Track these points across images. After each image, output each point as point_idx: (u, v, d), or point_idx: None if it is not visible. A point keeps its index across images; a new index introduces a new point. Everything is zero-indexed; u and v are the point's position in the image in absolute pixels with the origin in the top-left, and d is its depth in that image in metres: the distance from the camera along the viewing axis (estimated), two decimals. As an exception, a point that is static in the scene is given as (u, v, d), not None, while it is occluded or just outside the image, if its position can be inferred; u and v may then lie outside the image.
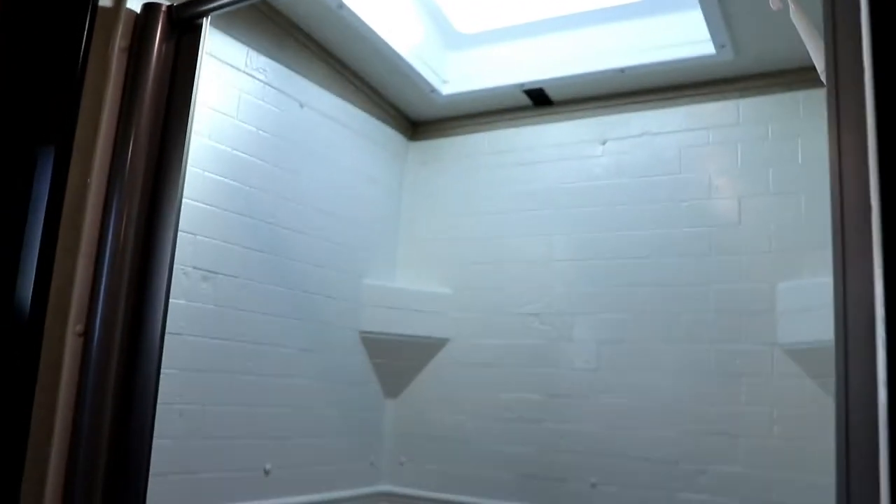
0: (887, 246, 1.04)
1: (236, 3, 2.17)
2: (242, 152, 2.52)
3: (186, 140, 2.11)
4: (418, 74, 2.97)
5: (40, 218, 2.07)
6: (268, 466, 2.54)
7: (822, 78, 1.25)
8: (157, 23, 2.13)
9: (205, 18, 2.16)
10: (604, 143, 2.99)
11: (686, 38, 2.67)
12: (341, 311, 2.93)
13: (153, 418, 1.99)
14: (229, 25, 2.47)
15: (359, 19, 2.63)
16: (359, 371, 3.02)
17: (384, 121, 3.24)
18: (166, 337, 2.16)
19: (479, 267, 3.14)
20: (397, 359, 3.11)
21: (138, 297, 2.03)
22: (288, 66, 2.71)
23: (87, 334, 1.99)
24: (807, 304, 2.40)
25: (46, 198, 2.08)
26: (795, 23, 1.85)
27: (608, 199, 2.94)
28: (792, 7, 1.87)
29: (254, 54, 2.57)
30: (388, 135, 3.27)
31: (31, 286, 2.04)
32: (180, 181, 2.09)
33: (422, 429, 3.10)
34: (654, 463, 2.67)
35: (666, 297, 2.76)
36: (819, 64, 1.65)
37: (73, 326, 1.99)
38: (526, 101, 3.11)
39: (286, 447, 2.62)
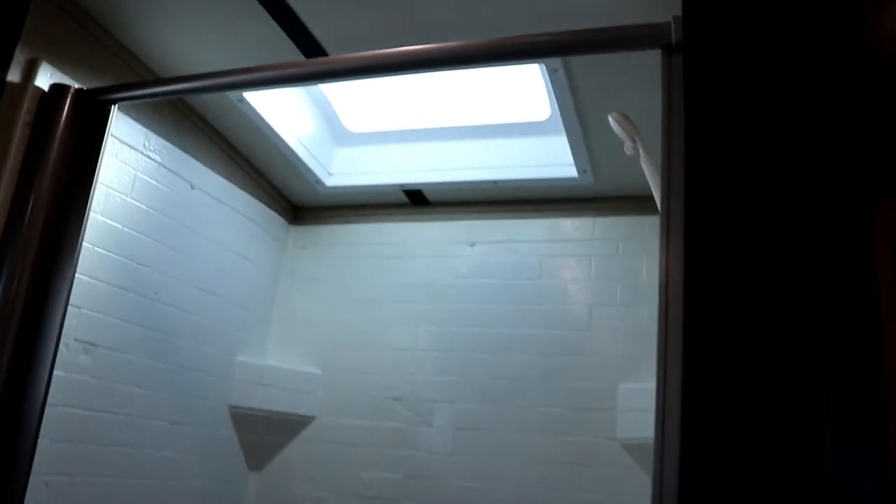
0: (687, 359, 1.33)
1: (143, 97, 2.31)
2: (132, 229, 2.61)
3: (85, 218, 2.19)
4: (305, 165, 3.16)
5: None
6: (130, 542, 2.55)
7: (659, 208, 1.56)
8: (64, 103, 2.22)
9: (113, 105, 2.27)
10: (472, 245, 3.27)
11: (552, 160, 3.02)
12: (213, 385, 3.00)
13: (24, 490, 2.02)
14: (131, 107, 2.58)
15: (255, 112, 2.81)
16: (225, 444, 3.08)
17: (268, 205, 3.39)
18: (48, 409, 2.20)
19: (349, 350, 3.30)
20: (264, 433, 3.19)
21: (21, 370, 2.06)
22: (182, 149, 2.83)
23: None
24: (644, 405, 2.72)
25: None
26: (643, 165, 2.22)
27: (473, 296, 3.20)
28: (641, 154, 2.24)
29: (152, 136, 2.68)
30: (270, 218, 3.41)
31: None
32: (75, 257, 2.16)
33: (284, 503, 3.18)
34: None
35: (519, 390, 3.03)
36: (657, 198, 1.98)
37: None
38: (404, 199, 3.36)
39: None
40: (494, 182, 3.12)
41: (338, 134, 3.31)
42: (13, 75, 2.19)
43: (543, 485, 2.90)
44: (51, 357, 2.08)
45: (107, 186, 2.51)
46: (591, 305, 3.06)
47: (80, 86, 2.27)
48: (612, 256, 3.08)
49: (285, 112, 2.98)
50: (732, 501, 1.23)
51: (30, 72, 2.22)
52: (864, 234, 1.28)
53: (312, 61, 2.45)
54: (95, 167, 2.23)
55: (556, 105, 2.65)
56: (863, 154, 1.34)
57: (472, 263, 3.26)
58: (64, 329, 2.25)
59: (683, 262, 1.44)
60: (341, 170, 3.32)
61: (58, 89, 2.24)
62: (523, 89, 2.94)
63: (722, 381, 1.31)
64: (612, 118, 2.25)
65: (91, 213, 2.41)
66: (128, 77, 2.53)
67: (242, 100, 2.72)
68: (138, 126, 2.63)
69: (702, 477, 1.26)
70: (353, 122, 3.27)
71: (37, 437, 2.04)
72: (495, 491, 2.95)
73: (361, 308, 3.34)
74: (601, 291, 3.06)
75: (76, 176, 2.23)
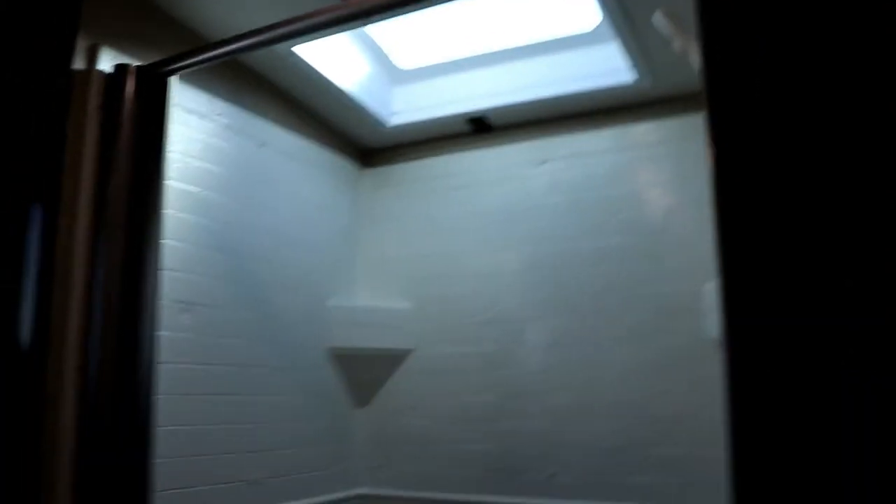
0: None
1: (198, 63, 2.40)
2: (211, 192, 2.74)
3: (161, 186, 2.34)
4: (366, 109, 3.22)
5: (35, 267, 2.28)
6: (253, 478, 2.75)
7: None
8: (128, 81, 2.34)
9: (171, 76, 2.38)
10: (541, 164, 3.27)
11: (609, 68, 2.97)
12: (310, 331, 3.16)
13: (152, 435, 2.21)
14: (192, 76, 2.68)
15: (307, 64, 2.88)
16: (330, 385, 3.25)
17: (337, 152, 3.48)
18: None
19: (434, 282, 3.40)
20: (365, 371, 3.35)
21: (130, 333, 2.24)
22: (247, 110, 2.94)
23: (83, 368, 2.20)
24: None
25: (40, 250, 2.29)
26: (692, 62, 2.16)
27: (548, 214, 3.22)
28: (691, 50, 2.18)
29: (217, 101, 2.79)
30: (341, 165, 3.51)
31: (32, 329, 2.24)
32: (159, 223, 2.31)
33: (391, 434, 3.35)
34: (604, 451, 2.95)
35: (605, 301, 3.05)
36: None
37: (69, 362, 2.20)
38: (468, 128, 3.39)
39: (269, 459, 2.84)
40: (555, 98, 3.10)
41: (392, 73, 3.35)
42: (78, 63, 2.33)
43: (640, 391, 2.93)
44: (153, 318, 2.26)
45: (181, 154, 2.64)
46: (666, 209, 3.03)
47: (139, 63, 2.37)
48: (684, 157, 3.02)
49: (339, 61, 3.03)
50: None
51: (92, 58, 2.36)
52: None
53: (353, 1, 2.48)
54: (164, 137, 2.36)
55: (603, 10, 2.59)
56: None
57: (543, 183, 3.27)
58: (162, 292, 2.42)
59: (715, 161, 1.41)
60: (402, 108, 3.36)
61: (120, 70, 2.36)
62: (568, 1, 2.89)
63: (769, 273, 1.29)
64: (656, 18, 2.19)
65: (170, 181, 2.57)
66: (181, 48, 2.62)
67: (292, 53, 2.79)
68: (203, 94, 2.75)
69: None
70: (405, 59, 3.30)
71: (152, 392, 2.23)
72: (592, 402, 3.01)
73: (440, 240, 3.42)
74: (676, 193, 3.02)
75: (149, 148, 2.37)
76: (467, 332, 3.28)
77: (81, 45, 2.34)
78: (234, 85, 2.90)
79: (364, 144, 3.64)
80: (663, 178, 3.06)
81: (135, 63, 2.36)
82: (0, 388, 2.25)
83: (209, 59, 2.50)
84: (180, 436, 2.49)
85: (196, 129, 2.72)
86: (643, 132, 3.14)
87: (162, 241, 2.48)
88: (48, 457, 2.16)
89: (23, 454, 2.19)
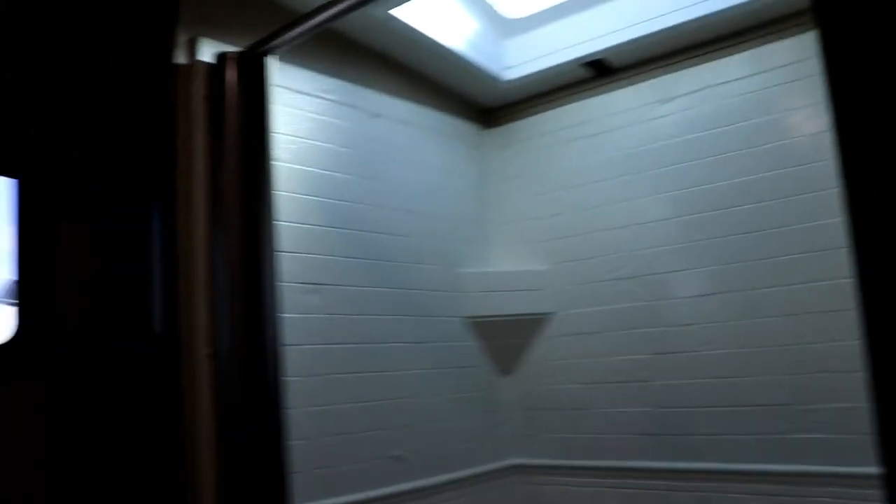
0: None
1: (294, 39, 2.36)
2: (326, 170, 2.72)
3: (269, 167, 2.33)
4: (478, 66, 3.09)
5: (161, 262, 2.35)
6: (397, 453, 2.73)
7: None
8: (228, 68, 2.34)
9: (267, 57, 2.36)
10: (666, 101, 3.00)
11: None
12: (445, 301, 3.09)
13: (285, 421, 2.22)
14: (295, 56, 2.66)
15: (409, 27, 2.77)
16: (472, 354, 3.17)
17: (455, 115, 3.37)
18: (285, 349, 2.40)
19: (568, 239, 3.22)
20: (506, 338, 3.25)
21: (253, 319, 2.26)
22: (354, 83, 2.89)
23: (214, 356, 2.24)
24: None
25: (162, 244, 2.36)
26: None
27: (680, 155, 2.95)
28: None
29: (322, 78, 2.76)
30: (460, 127, 3.39)
31: (163, 319, 2.32)
32: (269, 204, 2.31)
33: (539, 401, 3.23)
34: (767, 408, 2.68)
35: (752, 243, 2.76)
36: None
37: (201, 350, 2.24)
38: (587, 72, 3.17)
39: (413, 434, 2.81)
40: (677, 27, 2.81)
41: (501, 25, 3.19)
42: (180, 58, 2.36)
43: (799, 339, 2.63)
44: (276, 299, 2.26)
45: (291, 135, 2.63)
46: (815, 134, 2.67)
47: (237, 48, 2.37)
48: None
49: (442, 19, 2.91)
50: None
51: (193, 50, 2.37)
52: None
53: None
54: (267, 118, 2.35)
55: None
56: None
57: (671, 122, 3.00)
58: (287, 274, 2.42)
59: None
60: (516, 60, 3.20)
61: (220, 58, 2.37)
62: None
63: None
64: None
65: (283, 163, 2.56)
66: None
67: (391, 17, 2.69)
68: (307, 72, 2.72)
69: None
70: (512, 8, 3.13)
71: (280, 373, 2.24)
72: (748, 356, 2.74)
73: (569, 194, 3.24)
74: (825, 115, 2.64)
75: (254, 131, 2.36)
76: (609, 288, 3.09)
77: (181, 40, 2.36)
78: (339, 59, 2.85)
79: (482, 104, 3.51)
80: (808, 99, 2.70)
81: (234, 49, 2.37)
82: (141, 378, 2.34)
83: (304, 33, 2.45)
84: (316, 417, 2.49)
85: (305, 108, 2.70)
86: (780, 52, 2.78)
87: (283, 223, 2.50)
88: (190, 445, 2.22)
89: (165, 445, 2.27)
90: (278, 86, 2.62)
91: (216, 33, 2.42)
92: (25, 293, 2.34)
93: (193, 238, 2.29)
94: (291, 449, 2.39)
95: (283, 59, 2.63)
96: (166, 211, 2.35)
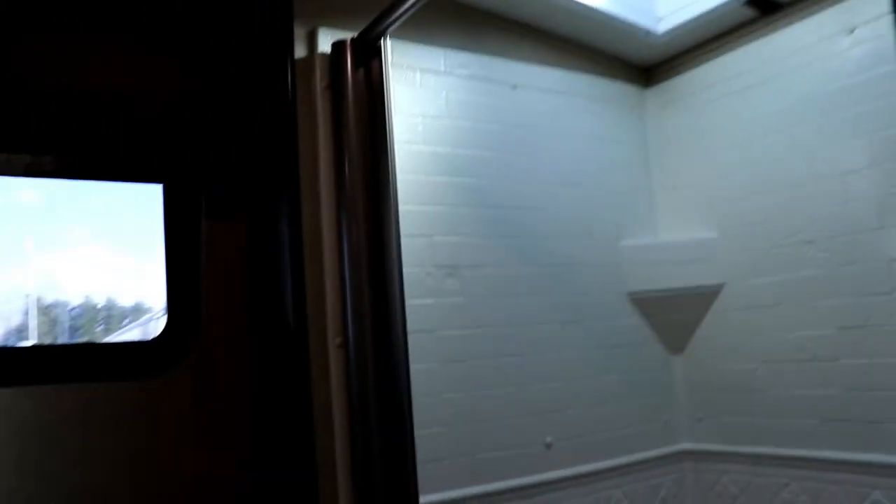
0: None
1: (405, 13, 2.28)
2: (460, 149, 2.63)
3: (392, 152, 2.29)
4: (626, 21, 2.84)
5: (288, 253, 2.40)
6: (548, 440, 2.61)
7: None
8: (347, 55, 2.33)
9: (383, 38, 2.32)
10: (851, 31, 2.56)
11: None
12: (602, 277, 2.89)
13: (411, 405, 2.19)
14: (423, 35, 2.59)
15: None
16: (634, 333, 2.95)
17: (608, 77, 3.12)
18: (421, 335, 2.37)
19: (742, 201, 2.87)
20: (673, 313, 2.99)
21: (379, 307, 2.25)
22: (489, 55, 2.77)
23: (345, 345, 2.26)
24: None
25: (290, 235, 2.41)
26: None
27: (873, 94, 2.49)
28: None
29: (452, 53, 2.67)
30: (616, 89, 3.14)
31: (292, 311, 2.37)
32: (392, 186, 2.27)
33: (712, 381, 2.93)
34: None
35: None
36: None
37: (333, 340, 2.27)
38: (750, 13, 2.79)
39: (566, 419, 2.67)
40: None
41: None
42: (299, 51, 2.38)
43: None
44: (400, 283, 2.23)
45: (421, 116, 2.57)
46: None
47: (353, 34, 2.35)
48: None
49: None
50: None
51: (312, 42, 2.38)
52: None
53: None
54: (388, 102, 2.31)
55: None
56: None
57: (856, 55, 2.55)
58: (420, 259, 2.39)
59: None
60: (667, 10, 2.89)
61: (338, 47, 2.36)
62: None
63: None
64: None
65: (413, 145, 2.52)
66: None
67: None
68: (434, 49, 2.65)
69: None
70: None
71: (407, 360, 2.21)
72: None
73: (741, 152, 2.88)
74: None
75: (375, 116, 2.34)
76: (787, 255, 2.71)
77: (300, 34, 2.38)
78: (471, 33, 2.74)
79: (636, 62, 3.22)
80: None
81: (350, 36, 2.35)
82: (277, 369, 2.42)
83: (415, 4, 2.36)
84: (455, 403, 2.44)
85: (436, 87, 2.63)
86: None
87: (417, 207, 2.46)
88: (322, 434, 2.26)
89: (299, 431, 2.33)
90: (407, 67, 2.58)
91: (334, 22, 2.41)
92: (173, 290, 2.51)
93: (320, 228, 2.32)
94: (433, 436, 2.37)
95: (411, 39, 2.58)
96: (292, 203, 2.41)
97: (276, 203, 2.43)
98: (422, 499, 2.25)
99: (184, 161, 2.45)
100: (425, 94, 2.59)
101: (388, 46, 2.35)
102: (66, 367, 2.42)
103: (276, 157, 2.41)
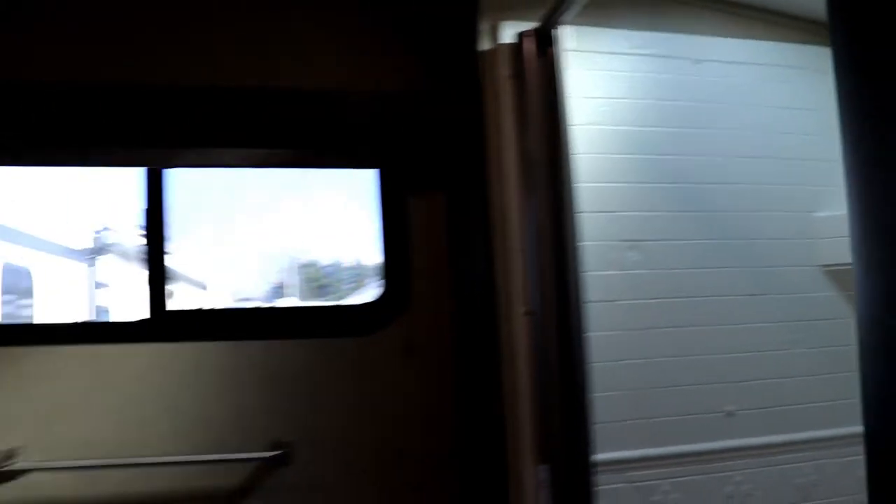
0: None
1: (578, 2, 2.42)
2: (646, 127, 2.73)
3: (567, 133, 2.46)
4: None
5: (479, 227, 2.66)
6: (731, 408, 2.65)
7: None
8: (526, 46, 2.52)
9: (559, 27, 2.48)
10: None
11: None
12: (792, 249, 2.85)
13: (586, 368, 2.37)
14: (603, 19, 2.72)
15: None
16: (828, 306, 2.87)
17: (800, 42, 3.03)
18: (603, 304, 2.53)
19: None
20: (875, 288, 2.87)
21: (560, 278, 2.43)
22: (671, 31, 2.82)
23: (530, 314, 2.47)
24: None
25: (481, 211, 2.66)
26: None
27: None
28: None
29: (632, 35, 2.76)
30: (809, 55, 3.03)
31: (483, 280, 2.63)
32: (568, 165, 2.45)
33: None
34: None
35: None
36: None
37: (519, 308, 2.49)
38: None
39: (750, 389, 2.68)
40: None
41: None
42: (485, 44, 2.61)
43: None
44: (578, 256, 2.41)
45: (604, 97, 2.70)
46: None
47: (534, 25, 2.54)
48: None
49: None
50: None
51: (495, 35, 2.60)
52: None
53: None
54: (562, 87, 2.48)
55: None
56: None
57: None
58: (603, 234, 2.56)
59: None
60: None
61: (519, 38, 2.56)
62: None
63: None
64: None
65: (599, 126, 2.67)
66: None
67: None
68: (616, 32, 2.76)
69: None
70: None
71: (583, 329, 2.39)
72: None
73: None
74: None
75: (554, 101, 2.52)
76: None
77: (485, 27, 2.61)
78: (652, 12, 2.82)
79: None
80: None
81: (530, 26, 2.54)
82: (470, 334, 2.69)
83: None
84: (634, 369, 2.56)
85: (619, 68, 2.74)
86: None
87: (599, 184, 2.62)
88: (509, 396, 2.49)
89: (488, 385, 2.58)
90: (591, 51, 2.72)
91: (516, 15, 2.60)
92: (387, 258, 2.87)
93: (507, 205, 2.54)
94: (613, 398, 2.52)
95: (594, 24, 2.71)
96: (481, 182, 2.64)
97: (468, 182, 2.70)
98: (602, 455, 2.42)
99: (394, 149, 2.79)
100: (608, 76, 2.72)
101: (565, 34, 2.52)
102: (303, 324, 2.88)
103: (467, 141, 2.68)
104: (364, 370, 2.80)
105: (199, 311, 2.91)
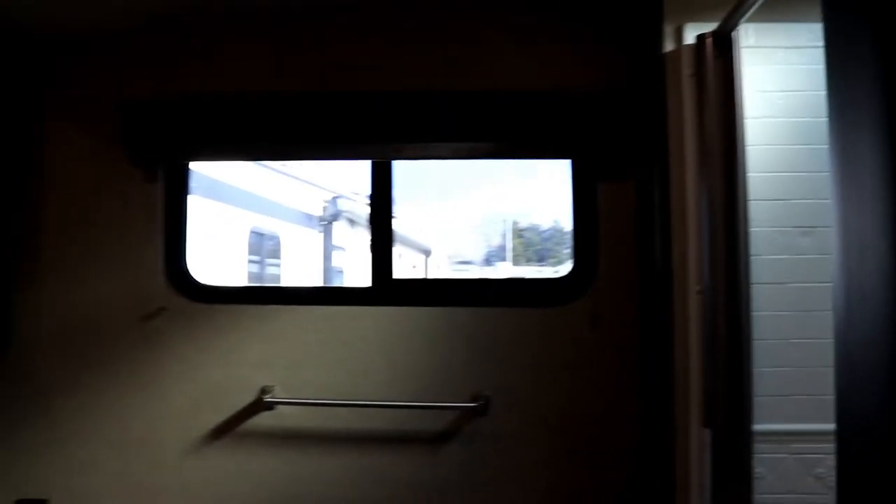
0: None
1: (755, 3, 2.60)
2: (824, 117, 2.83)
3: (742, 126, 2.67)
4: None
5: (659, 211, 2.93)
6: (904, 390, 2.74)
7: None
8: (707, 46, 2.74)
9: (738, 28, 2.67)
10: None
11: None
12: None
13: (750, 345, 2.59)
14: (783, 14, 2.84)
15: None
16: None
17: None
18: (773, 287, 2.73)
19: None
20: None
21: (730, 260, 2.66)
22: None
23: (703, 292, 2.72)
24: None
25: (661, 196, 2.92)
26: None
27: None
28: None
29: (814, 26, 2.85)
30: None
31: (661, 259, 2.90)
32: (744, 158, 2.66)
33: None
34: None
35: None
36: None
37: (694, 287, 2.74)
38: None
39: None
40: None
41: None
42: (669, 46, 2.86)
43: None
44: (748, 240, 2.63)
45: (781, 91, 2.84)
46: None
47: (714, 24, 2.75)
48: None
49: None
50: None
51: (678, 37, 2.84)
52: None
53: None
54: (739, 83, 2.70)
55: None
56: None
57: None
58: (775, 220, 2.75)
59: None
60: None
61: (700, 39, 2.79)
62: None
63: None
64: None
65: (776, 119, 2.84)
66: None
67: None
68: (796, 25, 2.86)
69: None
70: None
71: (750, 309, 2.61)
72: None
73: None
74: None
75: (732, 94, 2.73)
76: None
77: (669, 31, 2.85)
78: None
79: None
80: None
81: (709, 28, 2.75)
82: (648, 306, 2.98)
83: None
84: (802, 347, 2.72)
85: (797, 61, 2.85)
86: None
87: (774, 174, 2.80)
88: (681, 367, 2.76)
89: (662, 366, 2.86)
90: (770, 47, 2.87)
91: (699, 17, 2.82)
92: (578, 238, 3.23)
93: (685, 191, 2.78)
94: (780, 374, 2.71)
95: (774, 20, 2.86)
96: (663, 171, 2.89)
97: (651, 171, 2.98)
98: (766, 426, 2.63)
99: (585, 141, 3.13)
100: (785, 70, 2.85)
101: (744, 33, 2.71)
102: (504, 294, 3.33)
103: (651, 134, 2.95)
104: (555, 337, 3.19)
105: (418, 281, 3.43)
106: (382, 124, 3.19)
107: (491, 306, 3.26)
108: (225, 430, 3.21)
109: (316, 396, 3.20)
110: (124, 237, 3.30)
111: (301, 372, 3.21)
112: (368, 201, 3.38)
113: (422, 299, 3.29)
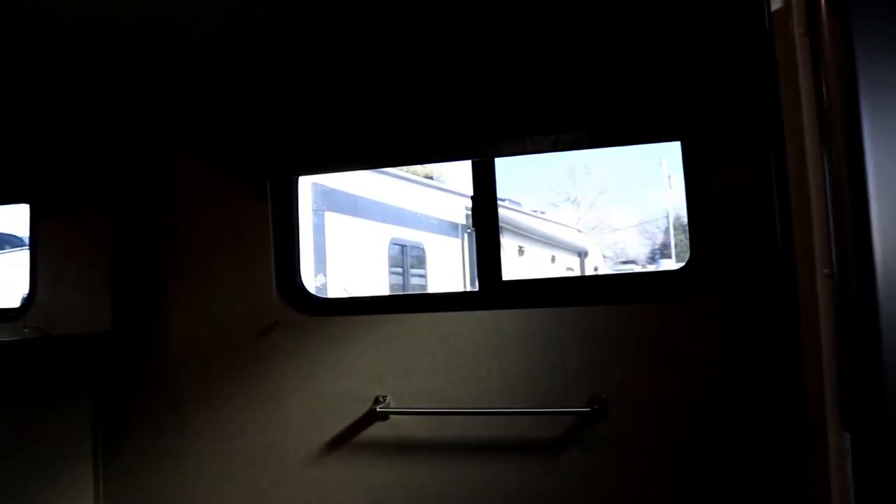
0: None
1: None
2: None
3: (859, 91, 2.33)
4: None
5: (776, 190, 2.63)
6: None
7: None
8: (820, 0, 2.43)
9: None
10: None
11: None
12: None
13: (880, 327, 2.25)
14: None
15: None
16: None
17: None
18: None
19: None
20: None
21: (860, 241, 2.33)
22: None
23: (831, 276, 2.41)
24: None
25: (777, 173, 2.63)
26: None
27: None
28: None
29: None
30: None
31: (782, 243, 2.61)
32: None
33: None
34: None
35: None
36: None
37: (821, 270, 2.43)
38: None
39: None
40: None
41: None
42: (776, 4, 2.57)
43: None
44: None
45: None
46: None
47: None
48: None
49: None
50: None
51: (791, -6, 2.55)
52: None
53: None
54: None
55: None
56: None
57: None
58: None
59: None
60: None
61: (811, -5, 2.48)
62: None
63: None
64: None
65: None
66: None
67: None
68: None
69: None
70: None
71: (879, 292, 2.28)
72: None
73: None
74: None
75: (850, 53, 2.40)
76: None
77: (777, -11, 2.57)
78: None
79: None
80: None
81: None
82: (770, 291, 2.68)
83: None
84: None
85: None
86: None
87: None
88: (811, 362, 2.45)
89: (790, 363, 2.55)
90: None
91: (807, -31, 2.51)
92: (693, 226, 2.97)
93: (805, 165, 2.48)
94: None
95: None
96: (778, 145, 2.58)
97: (768, 149, 2.69)
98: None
99: (696, 119, 2.90)
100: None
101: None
102: (617, 291, 3.14)
103: (764, 108, 2.67)
104: (673, 333, 2.95)
105: (527, 281, 3.30)
106: (479, 121, 3.10)
107: (604, 304, 3.07)
108: (341, 441, 3.22)
109: (429, 405, 3.15)
110: (237, 253, 3.42)
111: (413, 380, 3.18)
112: (471, 216, 3.31)
113: (532, 300, 3.16)
